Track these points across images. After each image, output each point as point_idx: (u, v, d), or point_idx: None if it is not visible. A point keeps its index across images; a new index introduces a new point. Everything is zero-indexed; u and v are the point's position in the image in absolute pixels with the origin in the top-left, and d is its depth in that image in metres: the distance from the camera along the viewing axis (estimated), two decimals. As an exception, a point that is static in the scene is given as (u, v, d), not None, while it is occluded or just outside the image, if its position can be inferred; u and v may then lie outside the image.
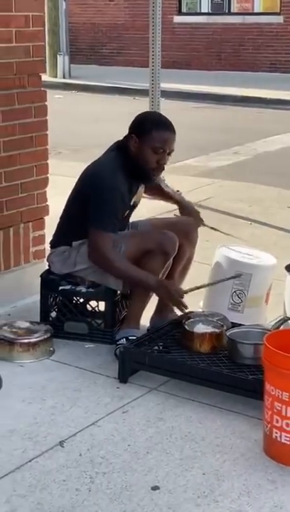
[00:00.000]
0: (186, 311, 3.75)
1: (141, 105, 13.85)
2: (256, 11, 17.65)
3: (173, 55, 16.97)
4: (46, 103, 4.42)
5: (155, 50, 6.87)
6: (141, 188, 3.96)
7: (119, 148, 3.80)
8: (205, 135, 10.45)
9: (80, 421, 3.18)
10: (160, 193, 4.15)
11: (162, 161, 3.74)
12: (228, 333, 3.46)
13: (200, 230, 4.08)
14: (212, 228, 4.17)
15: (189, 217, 4.02)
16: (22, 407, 3.28)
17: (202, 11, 18.24)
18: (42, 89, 4.38)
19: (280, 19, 17.19)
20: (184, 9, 18.39)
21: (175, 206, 4.18)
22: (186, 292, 3.72)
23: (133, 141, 3.72)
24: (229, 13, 17.87)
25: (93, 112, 12.58)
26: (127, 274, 3.72)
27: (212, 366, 3.37)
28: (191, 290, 3.77)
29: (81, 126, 11.01)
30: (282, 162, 8.88)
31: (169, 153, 3.74)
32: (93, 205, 3.69)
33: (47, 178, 4.49)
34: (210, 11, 18.11)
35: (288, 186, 7.35)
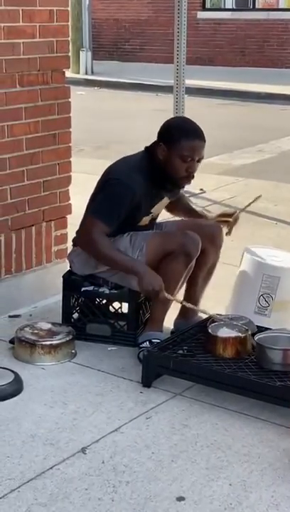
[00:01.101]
0: (211, 313, 3.67)
1: (164, 102, 13.83)
2: (281, 6, 17.45)
3: (197, 51, 16.81)
4: (69, 100, 4.33)
5: (180, 47, 6.76)
6: (166, 200, 3.85)
7: (147, 153, 3.70)
8: (229, 132, 10.32)
9: (103, 427, 3.09)
10: (185, 209, 4.03)
11: (191, 170, 3.63)
12: (256, 338, 3.36)
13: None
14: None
15: (215, 222, 3.91)
16: (43, 411, 3.21)
17: (227, 6, 18.05)
18: (65, 85, 4.30)
19: (305, 15, 16.99)
20: (208, 5, 18.23)
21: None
22: (175, 300, 3.64)
23: (161, 150, 3.61)
24: (254, 9, 17.68)
25: (115, 109, 12.49)
26: (113, 259, 3.59)
27: (239, 372, 3.27)
28: (180, 301, 3.68)
29: (103, 123, 10.92)
30: (307, 160, 8.75)
31: (199, 161, 3.63)
32: (99, 195, 3.62)
33: (70, 177, 4.41)
34: (234, 7, 17.93)
35: (315, 185, 7.23)
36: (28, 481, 2.73)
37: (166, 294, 3.54)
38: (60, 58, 4.20)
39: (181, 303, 3.72)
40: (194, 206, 4.01)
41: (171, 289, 3.62)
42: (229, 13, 17.81)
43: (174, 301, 3.70)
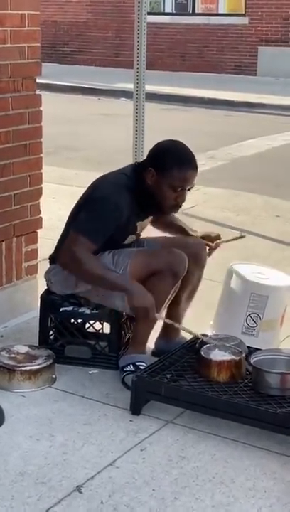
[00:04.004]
0: (197, 333, 3.51)
1: (106, 106, 13.69)
2: (220, 11, 17.44)
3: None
4: (41, 108, 4.12)
5: (140, 51, 6.57)
6: (148, 219, 3.67)
7: (134, 173, 3.50)
8: (179, 138, 10.19)
9: (96, 461, 2.90)
10: (169, 225, 3.83)
11: (180, 199, 3.45)
12: (253, 361, 3.21)
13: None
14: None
15: (198, 238, 3.75)
16: (30, 445, 2.99)
17: (166, 10, 17.98)
18: (36, 92, 4.08)
19: (245, 20, 17.02)
20: (148, 9, 18.10)
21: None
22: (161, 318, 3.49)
23: (150, 175, 3.42)
24: (194, 14, 17.64)
25: (58, 113, 12.21)
26: (102, 277, 3.38)
27: (235, 398, 3.12)
28: (170, 322, 3.52)
29: (48, 128, 10.64)
30: (259, 168, 8.69)
31: (189, 189, 3.46)
32: (85, 212, 3.41)
33: (40, 189, 4.20)
34: (173, 11, 17.87)
35: (273, 194, 7.16)
36: (24, 527, 2.52)
37: (156, 314, 3.37)
38: (31, 65, 3.98)
39: (171, 323, 3.54)
40: (178, 222, 3.84)
41: (157, 309, 3.45)
42: (169, 17, 17.73)
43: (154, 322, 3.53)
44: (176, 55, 17.65)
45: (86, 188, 3.57)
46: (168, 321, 3.53)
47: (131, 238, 3.57)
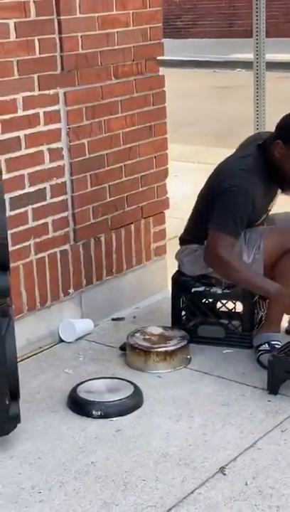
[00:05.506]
0: None
1: (221, 78, 13.53)
2: None
3: (250, 24, 16.38)
4: (164, 89, 4.11)
5: (259, 20, 6.41)
6: (277, 197, 3.61)
7: (260, 150, 3.45)
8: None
9: (237, 442, 2.89)
10: None
11: None
12: None
13: None
14: None
15: None
16: (170, 426, 3.02)
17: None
18: (160, 74, 4.07)
19: None
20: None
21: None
22: None
23: (278, 148, 3.35)
24: None
25: (174, 88, 12.13)
26: (246, 280, 3.38)
27: None
28: None
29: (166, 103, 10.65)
30: None
31: None
32: (220, 205, 3.37)
33: (166, 170, 4.20)
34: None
35: None
36: (170, 509, 2.55)
37: None
38: (153, 46, 3.97)
39: None
40: None
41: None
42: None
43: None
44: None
45: (214, 171, 3.52)
46: None
47: (262, 218, 3.52)
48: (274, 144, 3.37)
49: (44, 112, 3.49)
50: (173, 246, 3.88)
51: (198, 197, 3.61)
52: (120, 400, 3.12)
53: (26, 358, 3.54)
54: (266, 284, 3.35)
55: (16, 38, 3.33)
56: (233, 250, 3.34)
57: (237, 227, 3.34)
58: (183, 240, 3.68)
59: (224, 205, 3.35)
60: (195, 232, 3.61)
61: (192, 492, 2.63)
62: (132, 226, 4.05)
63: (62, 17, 3.48)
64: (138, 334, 3.56)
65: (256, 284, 3.36)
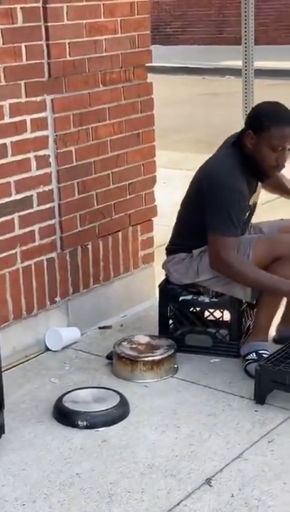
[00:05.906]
0: None
1: (211, 85, 13.54)
2: None
3: (238, 31, 16.43)
4: (152, 96, 4.10)
5: (248, 28, 6.43)
6: (259, 187, 3.61)
7: (235, 144, 3.45)
8: None
9: (223, 453, 2.87)
10: (281, 188, 3.79)
11: (281, 160, 3.36)
12: None
13: None
14: None
15: None
16: (156, 436, 2.99)
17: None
18: (148, 81, 4.06)
19: None
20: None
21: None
22: None
23: (249, 138, 3.36)
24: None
25: (163, 95, 12.15)
26: (256, 281, 3.38)
27: None
28: None
29: (155, 110, 10.65)
30: None
31: None
32: (211, 208, 3.36)
33: (154, 177, 4.19)
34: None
35: None
36: (156, 520, 2.53)
37: None
38: (141, 53, 3.96)
39: None
40: (287, 183, 3.75)
41: (281, 297, 3.40)
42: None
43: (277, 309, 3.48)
44: (281, 28, 17.26)
45: (194, 177, 3.51)
46: None
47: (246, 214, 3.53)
48: (245, 135, 3.37)
49: (31, 119, 3.47)
50: (161, 254, 3.86)
51: (181, 206, 3.60)
52: (106, 410, 3.10)
53: (12, 367, 3.51)
54: (277, 282, 3.33)
55: (3, 44, 3.31)
56: (236, 251, 3.34)
57: (234, 226, 3.33)
58: (170, 250, 3.67)
59: (216, 206, 3.34)
60: (180, 242, 3.60)
61: (178, 504, 2.60)
62: (120, 234, 4.03)
63: (49, 24, 3.47)
64: (125, 343, 3.54)
65: (268, 283, 3.34)
